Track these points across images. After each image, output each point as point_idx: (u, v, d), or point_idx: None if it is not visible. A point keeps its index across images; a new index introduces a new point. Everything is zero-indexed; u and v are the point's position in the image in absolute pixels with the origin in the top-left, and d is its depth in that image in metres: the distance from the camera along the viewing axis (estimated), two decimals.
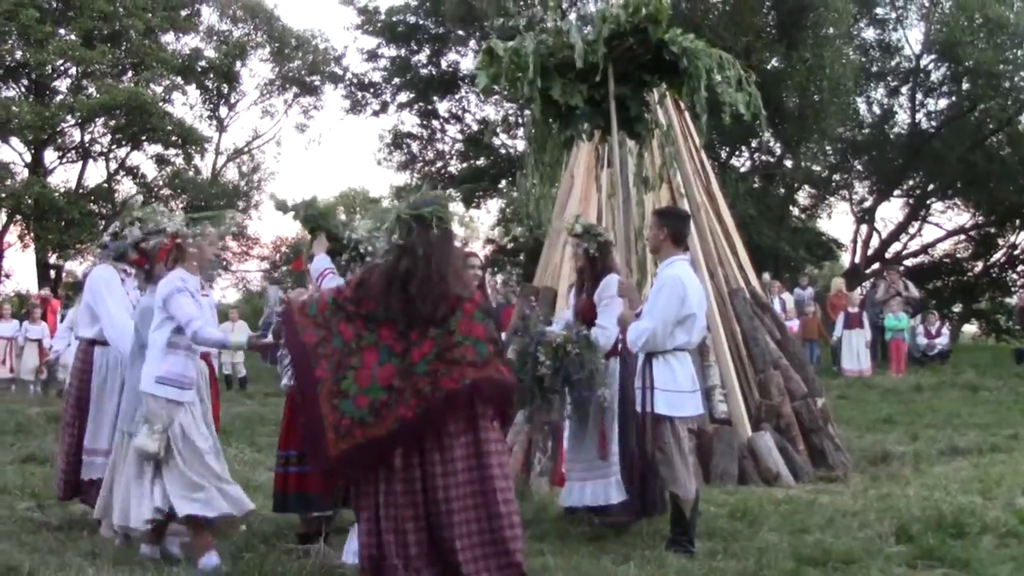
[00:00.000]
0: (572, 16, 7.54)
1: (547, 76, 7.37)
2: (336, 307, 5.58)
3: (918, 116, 32.86)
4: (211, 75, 35.45)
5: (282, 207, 7.75)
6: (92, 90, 30.53)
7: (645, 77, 7.61)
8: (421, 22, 34.90)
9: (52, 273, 30.50)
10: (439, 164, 37.74)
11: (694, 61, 7.31)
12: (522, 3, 27.77)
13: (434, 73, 35.62)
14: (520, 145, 34.67)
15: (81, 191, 32.24)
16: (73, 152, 33.18)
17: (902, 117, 33.41)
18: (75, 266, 28.38)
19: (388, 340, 5.44)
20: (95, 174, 33.91)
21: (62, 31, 30.44)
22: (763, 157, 32.16)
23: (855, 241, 35.39)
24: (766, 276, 19.81)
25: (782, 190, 31.91)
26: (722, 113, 7.57)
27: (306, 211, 7.63)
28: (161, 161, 34.17)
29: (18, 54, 29.63)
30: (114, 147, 33.52)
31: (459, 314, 5.48)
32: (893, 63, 32.79)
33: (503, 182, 35.72)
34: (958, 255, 36.10)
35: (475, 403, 5.38)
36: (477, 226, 8.71)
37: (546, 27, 7.66)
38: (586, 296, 7.96)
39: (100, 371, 7.51)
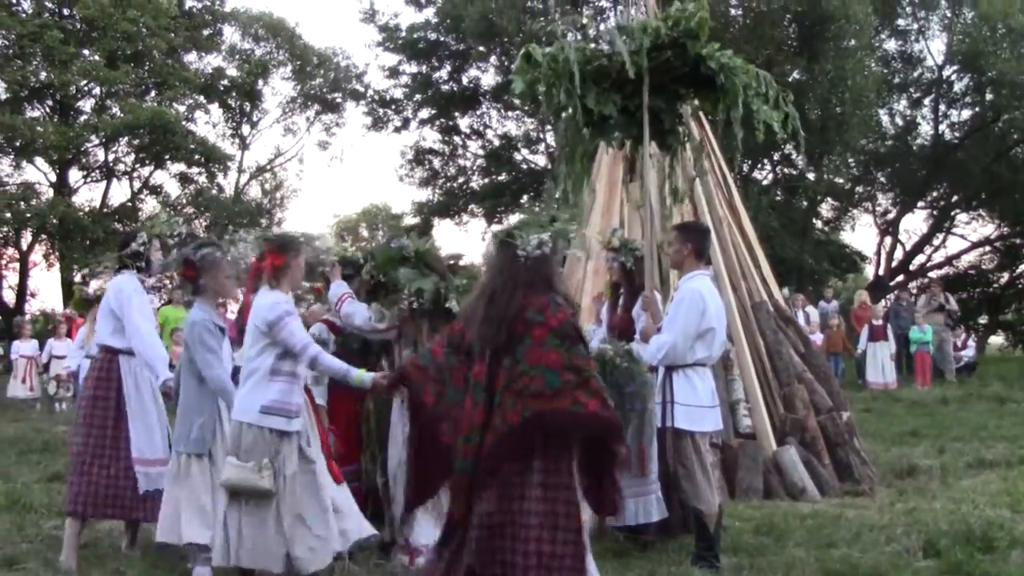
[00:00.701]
0: (612, 24, 7.55)
1: (583, 84, 7.37)
2: (451, 345, 5.32)
3: (941, 127, 32.74)
4: (233, 93, 35.68)
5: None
6: (116, 110, 30.78)
7: (680, 90, 7.60)
8: (442, 39, 34.98)
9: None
10: (460, 180, 37.79)
11: (731, 78, 7.29)
12: (542, 20, 27.86)
13: (455, 89, 35.69)
14: (542, 161, 34.71)
15: (105, 210, 32.42)
16: (97, 171, 33.40)
17: (925, 128, 33.34)
18: (99, 284, 28.43)
19: (479, 376, 5.14)
20: (119, 193, 34.14)
21: (86, 52, 30.65)
22: (800, 168, 31.95)
23: (879, 253, 35.32)
24: (785, 291, 19.74)
25: (805, 203, 31.80)
26: (756, 130, 7.54)
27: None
28: (184, 179, 34.37)
29: (43, 75, 29.84)
30: (138, 166, 33.75)
31: (527, 341, 5.08)
32: (915, 74, 32.69)
33: (524, 197, 35.75)
34: (983, 266, 35.93)
35: (535, 438, 4.96)
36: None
37: (586, 34, 7.66)
38: (623, 311, 7.95)
39: (130, 379, 7.18)
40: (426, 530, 6.67)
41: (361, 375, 5.93)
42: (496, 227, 36.38)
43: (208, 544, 6.12)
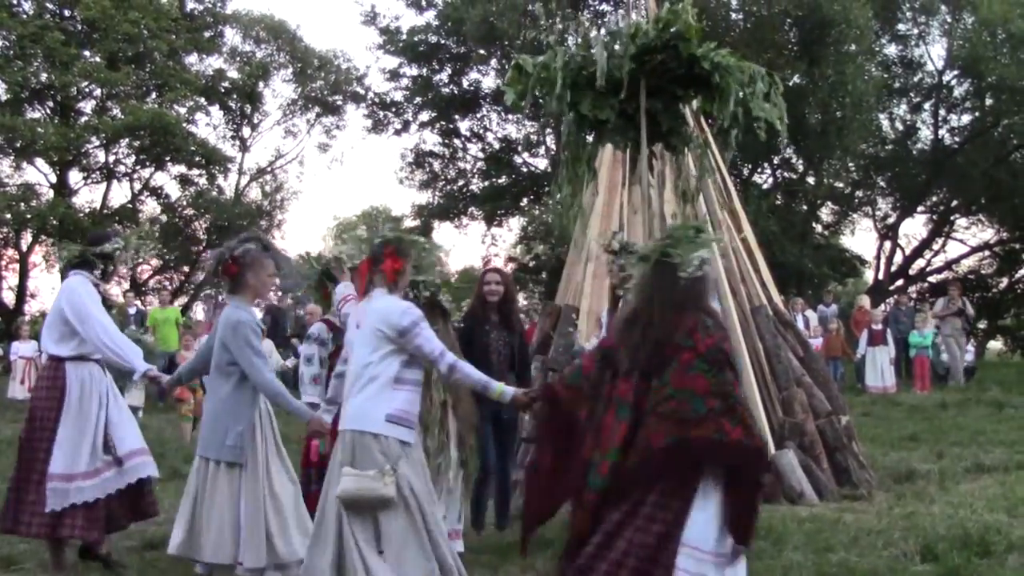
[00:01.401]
0: (601, 31, 7.49)
1: (577, 90, 7.37)
2: (604, 361, 5.15)
3: (941, 132, 32.76)
4: (234, 96, 35.64)
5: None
6: (116, 111, 30.75)
7: (678, 91, 7.61)
8: (443, 41, 35.00)
9: None
10: (460, 183, 37.80)
11: (726, 77, 7.31)
12: (544, 22, 27.90)
13: (455, 92, 35.71)
14: (542, 164, 34.74)
15: (106, 211, 32.38)
16: (97, 173, 33.34)
17: (925, 133, 33.35)
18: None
19: (626, 394, 4.96)
20: (119, 195, 34.10)
21: (87, 53, 30.63)
22: (785, 174, 32.07)
23: (878, 258, 35.31)
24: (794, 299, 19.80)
25: (805, 207, 31.82)
26: (757, 128, 7.56)
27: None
28: (185, 181, 34.33)
29: (43, 76, 29.81)
30: (138, 168, 33.69)
31: (674, 364, 4.90)
32: (916, 79, 32.72)
33: (524, 200, 35.76)
34: (983, 271, 35.94)
35: (677, 464, 4.80)
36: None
37: (577, 41, 7.69)
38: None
39: (74, 390, 6.93)
40: None
41: (502, 388, 5.68)
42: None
43: (228, 562, 5.94)
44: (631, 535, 4.74)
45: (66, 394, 6.90)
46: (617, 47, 7.41)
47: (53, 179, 32.14)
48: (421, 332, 5.58)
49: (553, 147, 32.09)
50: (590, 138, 7.96)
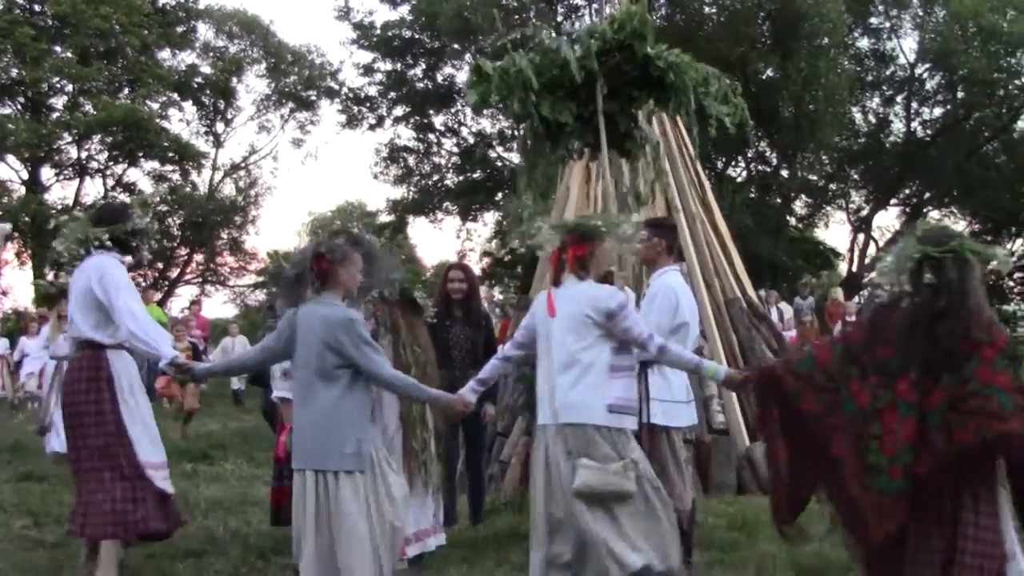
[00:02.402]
0: (554, 33, 7.52)
1: (536, 94, 7.38)
2: (848, 359, 4.96)
3: (913, 125, 32.93)
4: (207, 91, 35.53)
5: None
6: (88, 107, 30.60)
7: (633, 93, 7.63)
8: (417, 36, 34.90)
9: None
10: (435, 177, 37.74)
11: (680, 75, 7.33)
12: (516, 17, 27.90)
13: (430, 87, 35.63)
14: (516, 158, 34.72)
15: (78, 208, 32.17)
16: (70, 169, 33.18)
17: (897, 126, 33.51)
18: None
19: (905, 394, 4.78)
20: (92, 191, 33.93)
21: (58, 48, 30.45)
22: (759, 167, 32.23)
23: (852, 250, 35.49)
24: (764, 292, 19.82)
25: (778, 200, 31.94)
26: (709, 125, 7.61)
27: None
28: (158, 177, 34.20)
29: (14, 72, 29.65)
30: (111, 164, 33.56)
31: (975, 360, 4.72)
32: (888, 72, 32.87)
33: (499, 195, 35.76)
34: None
35: (994, 460, 4.67)
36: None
37: (535, 45, 7.68)
38: None
39: (124, 379, 6.49)
40: (412, 518, 6.73)
41: (715, 368, 5.64)
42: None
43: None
44: (972, 532, 4.63)
45: (115, 384, 6.44)
46: (577, 49, 7.41)
47: (25, 176, 31.98)
48: (630, 315, 5.56)
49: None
50: (548, 147, 7.95)
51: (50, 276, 21.21)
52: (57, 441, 11.92)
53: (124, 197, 33.62)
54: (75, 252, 6.69)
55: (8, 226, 6.68)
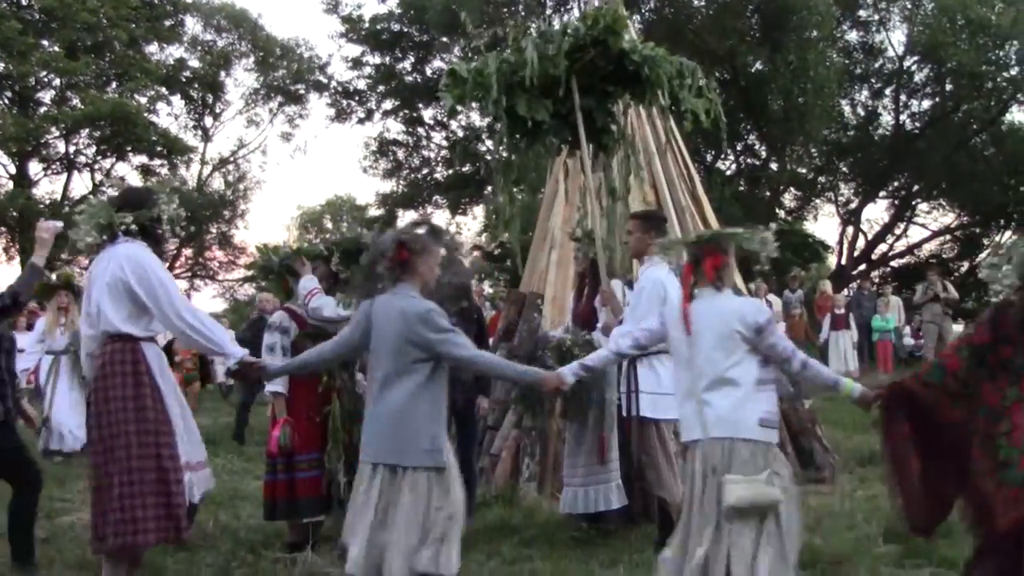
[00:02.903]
0: (532, 31, 7.47)
1: (512, 93, 7.36)
2: (975, 361, 4.90)
3: (902, 117, 32.99)
4: (196, 85, 35.51)
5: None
6: (76, 101, 30.52)
7: (609, 88, 7.62)
8: (405, 30, 34.90)
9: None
10: (425, 171, 37.73)
11: (655, 69, 7.33)
12: (506, 11, 27.87)
13: (419, 80, 35.62)
14: (503, 154, 34.69)
15: (66, 203, 32.13)
16: (58, 163, 33.12)
17: (886, 119, 33.56)
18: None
19: None
20: (80, 185, 33.85)
21: (45, 42, 30.37)
22: (748, 160, 32.28)
23: (841, 243, 35.53)
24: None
25: (768, 193, 31.97)
26: (684, 120, 7.62)
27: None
28: (146, 171, 34.11)
29: (1, 66, 29.53)
30: (99, 158, 33.50)
31: None
32: (876, 65, 32.90)
33: (488, 188, 35.77)
34: (944, 255, 36.21)
35: None
36: None
37: (508, 44, 7.67)
38: (586, 301, 7.97)
39: (157, 374, 6.01)
40: None
41: (851, 386, 5.50)
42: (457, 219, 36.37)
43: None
44: None
45: (152, 378, 5.97)
46: (550, 47, 7.41)
47: (12, 170, 31.88)
48: (776, 330, 5.45)
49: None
50: (523, 142, 7.94)
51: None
52: (53, 439, 11.88)
53: (112, 192, 33.64)
54: (96, 239, 6.24)
55: (60, 224, 6.44)
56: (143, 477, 5.80)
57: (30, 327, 18.67)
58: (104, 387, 5.91)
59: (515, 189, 8.03)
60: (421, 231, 5.67)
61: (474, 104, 7.75)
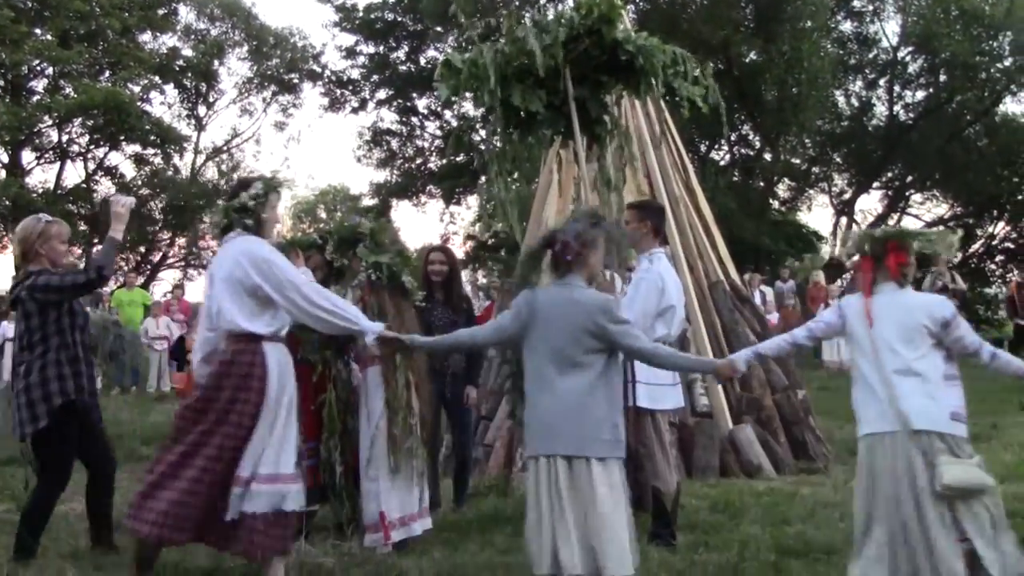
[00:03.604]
0: (527, 22, 7.41)
1: (506, 84, 7.35)
2: None
3: (896, 108, 33.04)
4: (189, 74, 35.37)
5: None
6: (69, 90, 30.39)
7: (602, 78, 7.61)
8: (399, 19, 34.85)
9: None
10: (419, 161, 37.69)
11: (649, 59, 7.32)
12: (500, 1, 27.82)
13: (413, 70, 35.58)
14: (496, 144, 34.67)
15: (59, 192, 32.06)
16: (51, 152, 33.00)
17: (880, 109, 33.58)
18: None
19: None
20: (73, 175, 33.84)
21: (38, 31, 30.26)
22: (742, 150, 32.29)
23: (835, 233, 35.55)
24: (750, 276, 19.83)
25: (762, 183, 31.98)
26: (681, 108, 7.62)
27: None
28: (140, 161, 34.05)
29: None
30: (92, 147, 33.38)
31: None
32: (871, 55, 32.94)
33: (483, 178, 35.75)
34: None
35: None
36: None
37: (502, 34, 7.65)
38: None
39: (274, 377, 5.84)
40: (397, 503, 6.74)
41: None
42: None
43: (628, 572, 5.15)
44: None
45: (267, 382, 5.80)
46: (546, 37, 7.39)
47: (5, 159, 31.84)
48: (961, 322, 5.46)
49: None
50: (517, 133, 7.93)
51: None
52: None
53: (105, 181, 33.61)
54: (215, 236, 6.24)
55: (133, 199, 6.54)
56: (225, 481, 5.72)
57: None
58: (215, 387, 5.83)
59: (510, 178, 8.00)
60: (588, 223, 5.59)
61: (468, 95, 7.72)
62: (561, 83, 7.40)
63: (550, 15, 8.15)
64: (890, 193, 35.40)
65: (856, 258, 6.12)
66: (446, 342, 6.30)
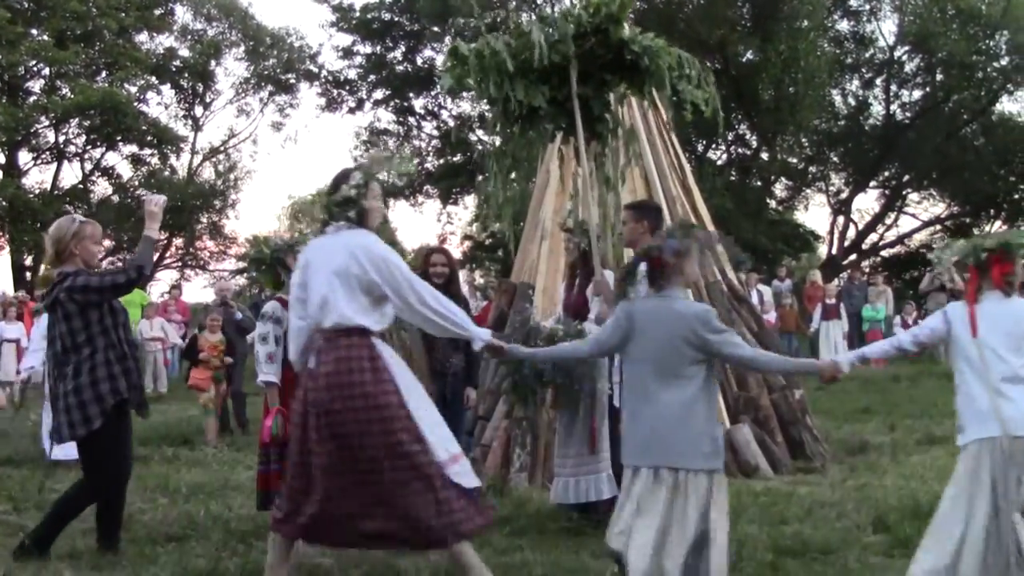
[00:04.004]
0: (532, 16, 7.48)
1: (510, 78, 7.36)
2: None
3: (892, 107, 33.02)
4: (186, 74, 35.35)
5: None
6: (66, 90, 30.37)
7: (606, 77, 7.61)
8: (396, 19, 34.81)
9: (28, 275, 30.30)
10: (416, 161, 37.68)
11: (655, 60, 7.32)
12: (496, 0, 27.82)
13: (410, 70, 35.55)
14: (496, 141, 34.66)
15: (56, 192, 32.05)
16: (48, 153, 32.98)
17: (877, 108, 33.57)
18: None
19: None
20: (70, 175, 33.75)
21: (34, 31, 30.23)
22: (739, 150, 32.30)
23: (832, 233, 35.58)
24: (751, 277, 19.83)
25: (759, 183, 32.00)
26: (683, 110, 7.62)
27: None
28: (136, 161, 34.03)
29: None
30: (89, 148, 33.36)
31: None
32: (867, 54, 32.92)
33: (480, 178, 35.77)
34: (934, 245, 36.28)
35: None
36: None
37: (509, 28, 7.64)
38: (577, 292, 7.98)
39: (397, 366, 5.76)
40: None
41: None
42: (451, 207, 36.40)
43: None
44: None
45: (391, 373, 5.69)
46: (552, 33, 7.39)
47: (2, 159, 31.77)
48: None
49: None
50: (518, 128, 7.92)
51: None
52: (58, 449, 11.34)
53: (102, 181, 33.60)
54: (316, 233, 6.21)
55: (165, 197, 6.74)
56: (398, 477, 5.57)
57: (20, 317, 18.72)
58: (341, 384, 5.62)
59: (509, 177, 8.00)
60: (685, 234, 5.64)
61: (470, 87, 7.70)
62: (564, 79, 7.40)
63: (553, 11, 8.15)
64: (887, 192, 35.39)
65: (950, 266, 6.15)
66: (551, 353, 6.37)
